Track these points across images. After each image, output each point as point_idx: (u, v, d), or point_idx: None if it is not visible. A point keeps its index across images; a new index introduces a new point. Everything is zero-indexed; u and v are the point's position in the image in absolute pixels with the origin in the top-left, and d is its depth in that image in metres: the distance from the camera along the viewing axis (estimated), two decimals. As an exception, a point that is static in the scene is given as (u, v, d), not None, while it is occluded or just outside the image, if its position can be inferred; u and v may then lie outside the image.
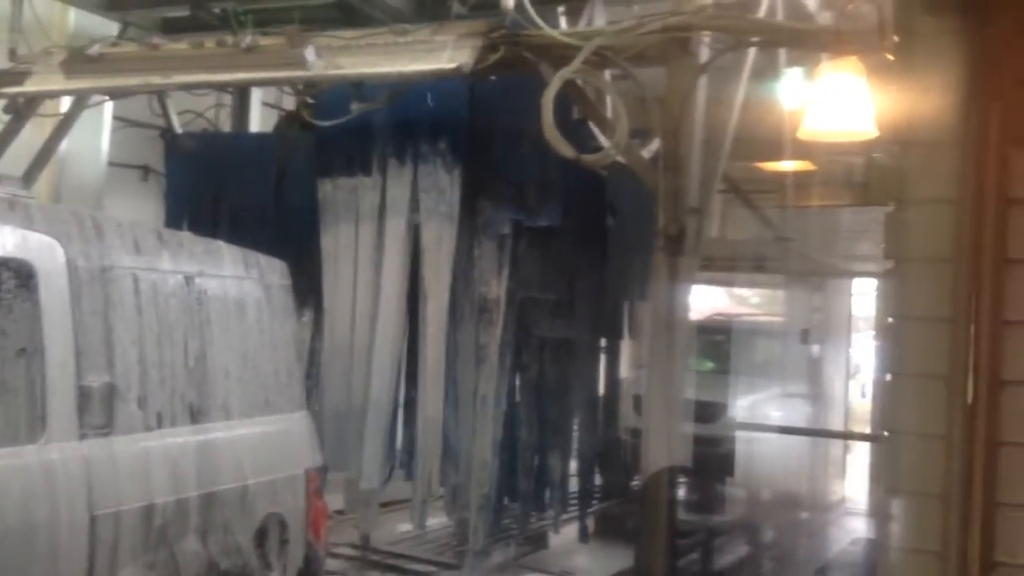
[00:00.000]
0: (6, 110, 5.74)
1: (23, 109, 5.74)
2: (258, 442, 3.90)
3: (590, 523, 6.55)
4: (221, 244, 4.03)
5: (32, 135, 6.04)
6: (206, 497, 3.56)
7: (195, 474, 3.53)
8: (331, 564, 5.39)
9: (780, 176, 6.78)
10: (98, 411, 3.18)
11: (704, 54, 4.32)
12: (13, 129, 5.80)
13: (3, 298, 2.94)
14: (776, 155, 6.02)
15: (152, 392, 3.41)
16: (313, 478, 4.18)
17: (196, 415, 3.60)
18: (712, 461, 7.51)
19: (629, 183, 4.92)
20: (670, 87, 4.31)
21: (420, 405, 5.30)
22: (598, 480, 6.69)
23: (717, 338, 9.29)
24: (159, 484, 3.37)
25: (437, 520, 5.99)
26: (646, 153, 4.70)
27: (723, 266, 8.35)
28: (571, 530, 6.43)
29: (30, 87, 5.43)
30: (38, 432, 2.99)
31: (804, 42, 4.35)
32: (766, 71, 5.11)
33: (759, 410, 8.71)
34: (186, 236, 3.98)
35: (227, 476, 3.67)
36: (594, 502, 6.78)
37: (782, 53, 5.17)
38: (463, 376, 5.24)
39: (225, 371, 3.77)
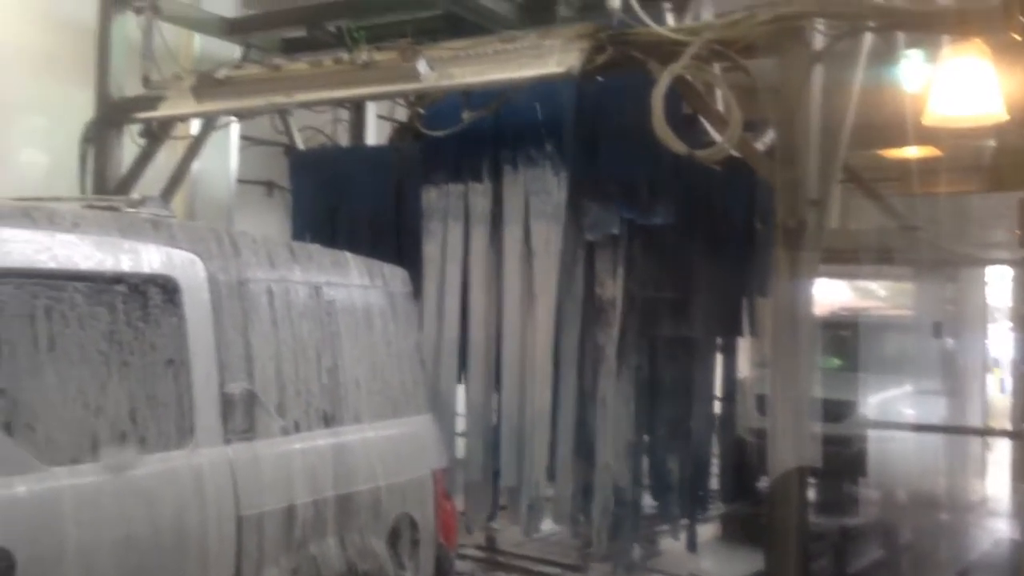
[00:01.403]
0: (142, 134, 6.11)
1: (157, 133, 6.09)
2: (387, 445, 3.99)
3: (716, 527, 6.43)
4: (347, 255, 4.13)
5: (166, 157, 6.41)
6: (342, 499, 3.67)
7: (331, 476, 3.64)
8: (458, 565, 5.48)
9: (904, 163, 6.52)
10: (240, 417, 3.33)
11: (819, 41, 4.20)
12: (149, 152, 6.15)
13: (152, 313, 3.12)
14: (899, 142, 5.80)
15: (288, 398, 3.54)
16: (440, 479, 4.25)
17: (329, 419, 3.72)
18: (843, 461, 7.27)
19: (744, 177, 4.83)
20: (784, 77, 4.21)
21: (531, 407, 5.33)
22: (719, 483, 6.58)
23: (844, 333, 9.00)
24: (299, 486, 3.49)
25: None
26: (760, 145, 4.60)
27: (847, 259, 8.08)
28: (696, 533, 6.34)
29: (163, 111, 5.76)
30: (187, 438, 3.15)
31: (925, 25, 4.19)
32: (885, 55, 4.93)
33: (891, 407, 8.40)
34: (314, 248, 4.10)
35: (360, 478, 3.78)
36: (715, 505, 6.66)
37: (901, 36, 4.98)
38: (576, 377, 5.25)
39: (355, 376, 3.88)
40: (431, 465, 4.21)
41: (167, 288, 3.16)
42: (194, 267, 3.28)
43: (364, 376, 3.93)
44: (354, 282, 4.02)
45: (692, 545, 6.06)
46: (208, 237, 3.43)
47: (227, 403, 3.28)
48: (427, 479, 4.15)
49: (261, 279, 3.54)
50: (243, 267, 3.47)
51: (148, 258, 3.13)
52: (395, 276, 4.31)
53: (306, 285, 3.74)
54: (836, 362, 8.85)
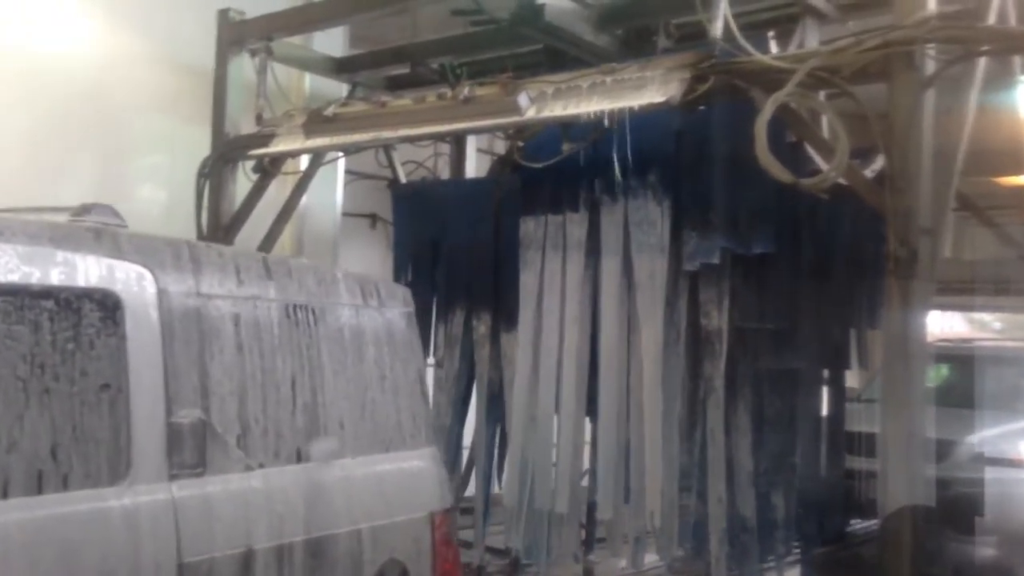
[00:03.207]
0: (254, 170, 6.36)
1: (269, 168, 6.34)
2: (374, 484, 3.66)
3: (810, 567, 6.21)
4: (337, 272, 3.88)
5: (276, 191, 6.66)
6: (313, 543, 3.33)
7: (301, 518, 3.30)
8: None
9: (1021, 190, 6.26)
10: (190, 450, 3.00)
11: (930, 66, 4.09)
12: (261, 187, 6.40)
13: (85, 332, 2.81)
14: (1016, 168, 5.58)
15: (253, 430, 3.22)
16: (441, 522, 3.87)
17: (304, 454, 3.39)
18: (958, 500, 6.95)
19: (852, 205, 4.72)
20: (893, 103, 4.10)
21: (636, 438, 5.28)
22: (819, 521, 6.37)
23: (957, 366, 8.64)
24: (260, 528, 3.15)
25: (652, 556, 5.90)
26: (869, 173, 4.49)
27: (962, 289, 7.77)
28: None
29: (275, 148, 5.99)
30: (120, 474, 2.82)
31: (1043, 47, 4.04)
32: (1000, 79, 4.77)
33: (1009, 444, 7.99)
34: (297, 264, 3.77)
35: (338, 520, 3.44)
36: (815, 545, 6.44)
37: (1018, 59, 4.81)
38: (679, 410, 5.18)
39: (338, 407, 3.56)
40: (429, 506, 3.83)
41: (106, 304, 2.85)
42: (141, 281, 2.97)
43: (349, 406, 3.59)
44: (342, 301, 3.68)
45: None
46: (162, 248, 3.11)
47: (174, 435, 2.95)
48: (422, 522, 3.77)
49: (226, 296, 3.20)
50: (203, 283, 3.14)
51: (85, 271, 2.83)
52: (393, 296, 4.00)
53: (283, 305, 3.40)
54: (949, 395, 8.48)
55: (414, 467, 3.88)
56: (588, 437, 5.65)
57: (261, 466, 3.23)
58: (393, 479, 3.76)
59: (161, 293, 3.01)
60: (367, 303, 3.81)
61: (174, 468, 2.96)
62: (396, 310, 3.97)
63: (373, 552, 3.55)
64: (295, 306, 3.47)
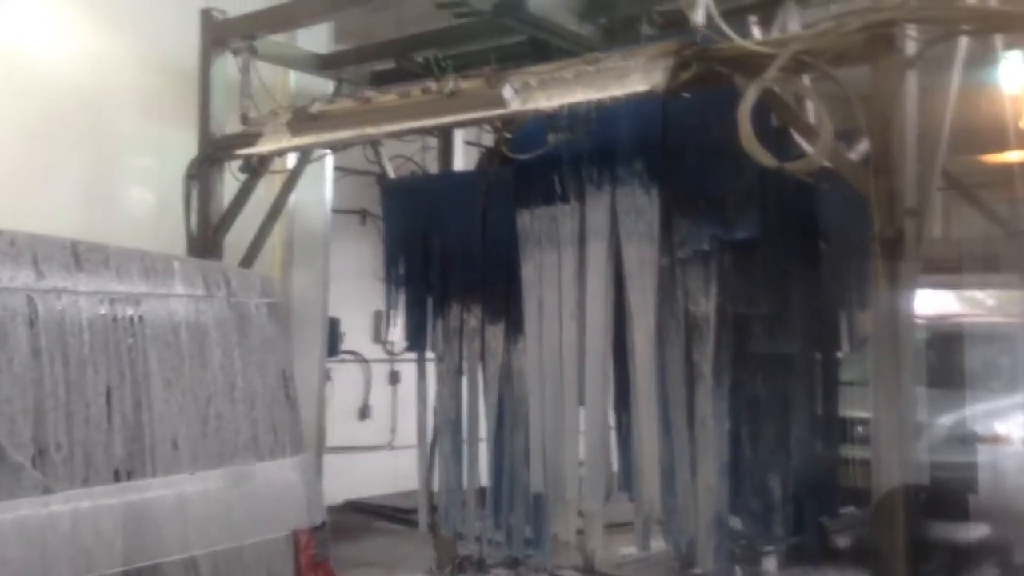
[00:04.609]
0: (242, 169, 6.36)
1: (256, 167, 6.33)
2: (215, 502, 3.19)
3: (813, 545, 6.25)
4: (172, 258, 3.36)
5: (265, 190, 6.66)
6: (135, 573, 2.90)
7: (119, 545, 2.85)
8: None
9: (1007, 168, 6.28)
10: None
11: (911, 47, 4.10)
12: (249, 186, 6.40)
13: None
14: (1000, 146, 5.59)
15: (54, 446, 2.76)
16: (307, 542, 3.44)
17: (123, 471, 2.93)
18: (951, 478, 6.99)
19: (838, 188, 4.74)
20: (876, 85, 4.12)
21: (634, 426, 5.31)
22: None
23: (946, 344, 8.67)
24: (60, 560, 2.71)
25: (660, 543, 5.95)
26: (854, 155, 4.51)
27: (951, 268, 7.81)
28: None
29: (261, 147, 5.98)
30: None
31: (1022, 27, 4.05)
32: (982, 57, 4.78)
33: (1002, 419, 8.03)
34: (116, 250, 3.16)
35: (167, 546, 3.00)
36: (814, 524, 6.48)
37: (998, 37, 4.82)
38: (674, 396, 5.21)
39: (169, 415, 3.10)
40: (291, 524, 3.39)
41: None
42: None
43: (186, 414, 3.12)
44: (177, 292, 3.19)
45: (814, 557, 5.89)
46: None
47: None
48: (282, 542, 3.34)
49: (17, 289, 2.73)
50: None
51: None
52: (248, 285, 3.48)
53: (96, 298, 2.92)
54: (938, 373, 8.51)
55: (276, 479, 3.40)
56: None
57: (70, 486, 2.79)
58: (245, 495, 3.27)
59: None
60: (212, 294, 3.31)
61: None
62: (251, 302, 3.45)
63: None
64: (112, 298, 2.96)
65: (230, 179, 6.40)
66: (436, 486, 6.37)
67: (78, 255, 2.95)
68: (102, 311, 2.93)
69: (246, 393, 3.36)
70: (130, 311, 3.01)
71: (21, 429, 2.70)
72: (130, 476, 2.95)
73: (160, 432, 3.06)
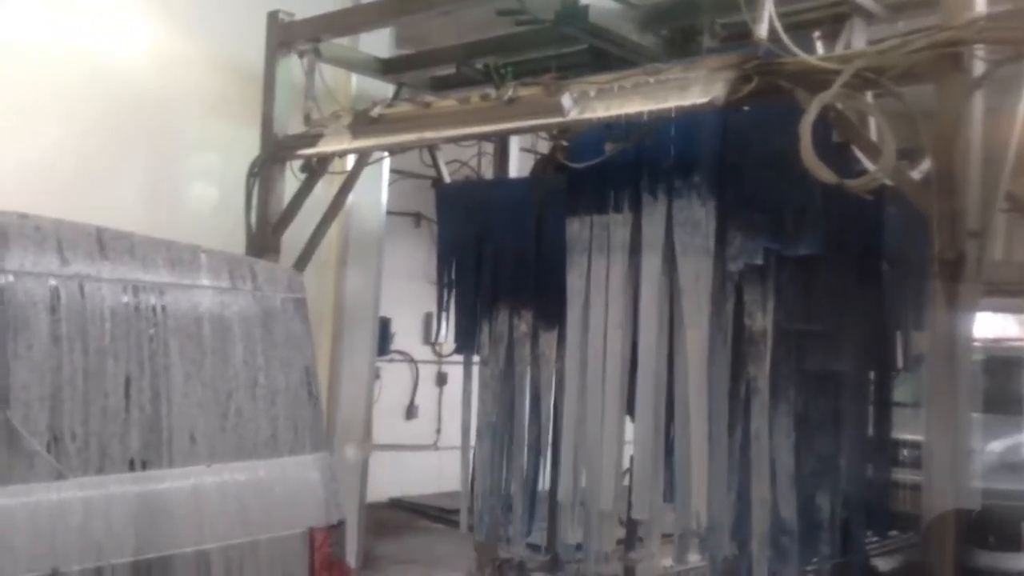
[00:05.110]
0: (302, 169, 6.48)
1: (316, 168, 6.45)
2: (232, 496, 3.15)
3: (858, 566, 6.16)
4: (199, 249, 3.29)
5: (323, 190, 6.77)
6: (145, 566, 2.87)
7: (132, 536, 2.83)
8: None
9: (1075, 190, 6.13)
10: None
11: (978, 67, 4.04)
12: (308, 186, 6.52)
13: None
14: (1069, 168, 5.47)
15: (71, 434, 2.75)
16: (323, 540, 3.39)
17: (139, 462, 2.91)
18: (1004, 505, 6.84)
19: (898, 207, 4.68)
20: (941, 104, 4.07)
21: (680, 439, 5.29)
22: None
23: (1003, 368, 8.49)
24: (71, 548, 2.68)
25: (696, 556, 5.91)
26: (916, 174, 4.45)
27: (1010, 291, 7.63)
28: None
29: (322, 148, 6.10)
30: None
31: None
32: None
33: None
34: (142, 239, 3.11)
35: (180, 538, 2.97)
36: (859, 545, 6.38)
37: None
38: (726, 410, 5.18)
39: (186, 405, 3.06)
40: (308, 522, 3.35)
41: None
42: None
43: (205, 407, 3.09)
44: (202, 284, 3.14)
45: None
46: None
47: None
48: (298, 539, 3.29)
49: (40, 274, 2.70)
50: (7, 259, 2.64)
51: None
52: (274, 279, 3.42)
53: (119, 286, 2.89)
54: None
55: (294, 475, 3.36)
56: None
57: (84, 473, 2.76)
58: (262, 490, 3.23)
59: None
60: (237, 287, 3.25)
61: None
62: (277, 296, 3.40)
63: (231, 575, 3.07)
64: (136, 287, 2.93)
65: (290, 178, 6.53)
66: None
67: (103, 242, 2.91)
68: (125, 300, 2.89)
69: (268, 389, 3.32)
70: (153, 301, 2.97)
71: (37, 416, 2.68)
72: (145, 467, 2.92)
73: (178, 424, 3.01)
